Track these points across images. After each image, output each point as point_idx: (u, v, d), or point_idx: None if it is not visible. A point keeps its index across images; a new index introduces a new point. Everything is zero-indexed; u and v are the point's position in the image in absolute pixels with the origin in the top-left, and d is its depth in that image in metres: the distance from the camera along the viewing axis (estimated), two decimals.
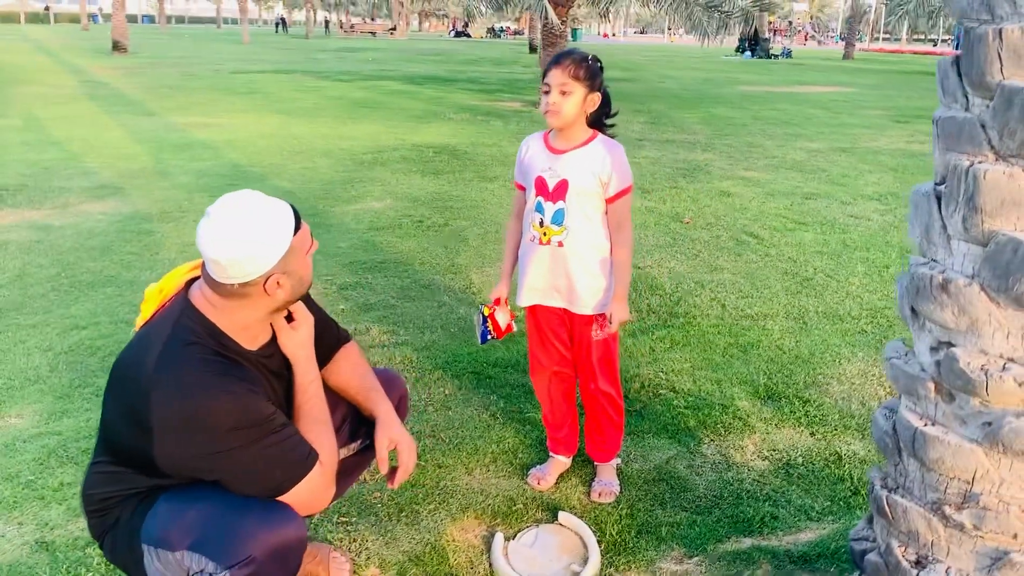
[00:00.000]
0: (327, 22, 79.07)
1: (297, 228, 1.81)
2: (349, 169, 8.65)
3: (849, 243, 6.07)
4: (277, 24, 72.98)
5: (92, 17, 75.23)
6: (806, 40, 74.66)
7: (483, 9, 19.41)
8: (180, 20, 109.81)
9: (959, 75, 1.68)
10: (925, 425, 1.80)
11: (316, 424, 1.98)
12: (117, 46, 29.55)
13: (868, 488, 1.97)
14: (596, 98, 2.54)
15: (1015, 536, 1.70)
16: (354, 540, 2.54)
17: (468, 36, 75.56)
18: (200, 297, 1.82)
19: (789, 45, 48.68)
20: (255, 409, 1.77)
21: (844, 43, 42.40)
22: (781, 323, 4.41)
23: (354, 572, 2.40)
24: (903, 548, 1.87)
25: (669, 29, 75.01)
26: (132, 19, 74.61)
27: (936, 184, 1.76)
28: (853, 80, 24.84)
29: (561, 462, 2.95)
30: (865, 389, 3.64)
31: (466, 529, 2.63)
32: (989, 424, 1.67)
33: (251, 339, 1.88)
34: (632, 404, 3.43)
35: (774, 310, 4.61)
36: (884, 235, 6.31)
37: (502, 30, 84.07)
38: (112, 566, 2.31)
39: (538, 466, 2.95)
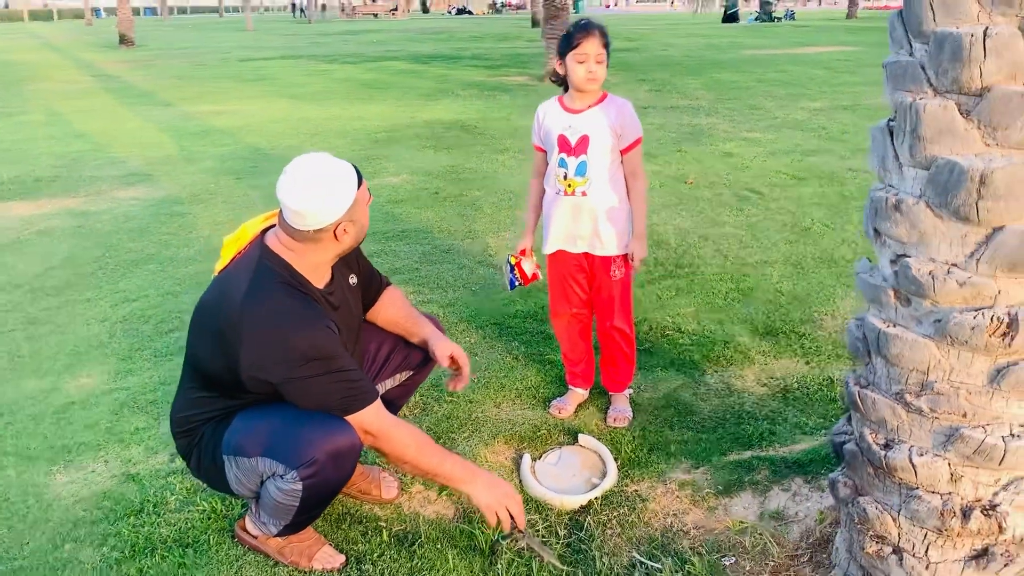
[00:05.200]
0: (323, 6, 79.12)
1: (360, 183, 2.14)
2: (365, 147, 8.95)
3: (846, 195, 6.34)
4: (295, 8, 72.78)
5: (95, 12, 75.49)
6: (808, 0, 74.09)
7: None
8: (182, 11, 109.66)
9: (903, 25, 1.97)
10: (888, 327, 2.10)
11: (436, 450, 2.28)
12: (124, 39, 29.85)
13: (844, 387, 2.28)
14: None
15: (964, 415, 2.01)
16: None
17: (470, 13, 75.37)
18: (276, 243, 2.15)
19: (793, 7, 48.40)
20: (329, 345, 2.10)
21: (848, 2, 42.14)
22: (780, 269, 4.71)
23: (401, 489, 2.74)
24: (874, 434, 2.18)
25: None
26: (135, 12, 74.74)
27: (889, 120, 2.05)
28: (856, 39, 24.83)
29: (579, 394, 3.28)
30: None
31: (497, 452, 2.97)
32: (939, 321, 1.98)
33: (320, 279, 2.22)
34: (641, 343, 3.75)
35: (773, 258, 4.91)
36: None
37: (503, 5, 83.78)
38: (192, 488, 2.68)
39: (559, 398, 3.29)
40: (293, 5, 73.27)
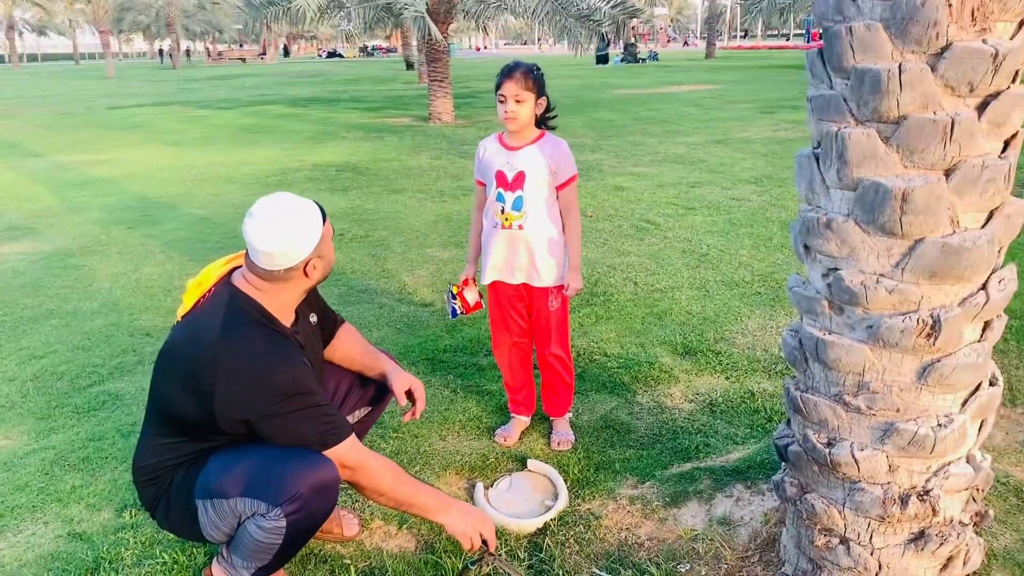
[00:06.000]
0: (188, 51, 77.27)
1: (324, 219, 2.18)
2: (257, 192, 8.82)
3: (735, 222, 6.73)
4: (162, 54, 70.35)
5: None
6: (668, 42, 77.96)
7: (353, 30, 19.56)
8: (33, 58, 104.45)
9: (823, 62, 2.20)
10: (824, 335, 2.30)
11: (411, 480, 2.34)
12: None
13: (784, 393, 2.47)
14: (543, 102, 2.99)
15: (898, 410, 2.22)
16: (356, 501, 2.89)
17: (341, 56, 75.27)
18: (245, 284, 2.16)
19: (655, 48, 50.73)
20: (307, 381, 2.12)
21: (705, 43, 44.53)
22: (687, 293, 4.97)
23: (362, 525, 2.75)
24: (817, 435, 2.37)
25: (539, 40, 76.84)
26: None
27: (814, 148, 2.27)
28: (718, 78, 26.28)
29: (522, 421, 3.37)
30: (766, 339, 4.21)
31: (450, 483, 3.02)
32: (871, 327, 2.19)
33: (287, 318, 2.24)
34: (574, 370, 3.88)
35: (679, 283, 5.17)
36: (764, 212, 7.02)
37: (375, 49, 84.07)
38: (147, 542, 2.61)
39: (502, 427, 3.37)
40: (161, 51, 70.95)
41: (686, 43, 76.27)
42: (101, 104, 23.14)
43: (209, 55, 73.04)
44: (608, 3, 14.89)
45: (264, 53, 69.77)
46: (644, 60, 41.88)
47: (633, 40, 46.90)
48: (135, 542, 2.61)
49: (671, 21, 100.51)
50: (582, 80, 27.89)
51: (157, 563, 2.50)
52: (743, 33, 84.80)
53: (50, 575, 2.49)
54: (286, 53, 79.67)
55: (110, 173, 10.46)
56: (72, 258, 6.28)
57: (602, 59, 40.89)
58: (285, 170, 10.26)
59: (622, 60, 41.38)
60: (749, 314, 4.58)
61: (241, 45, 76.85)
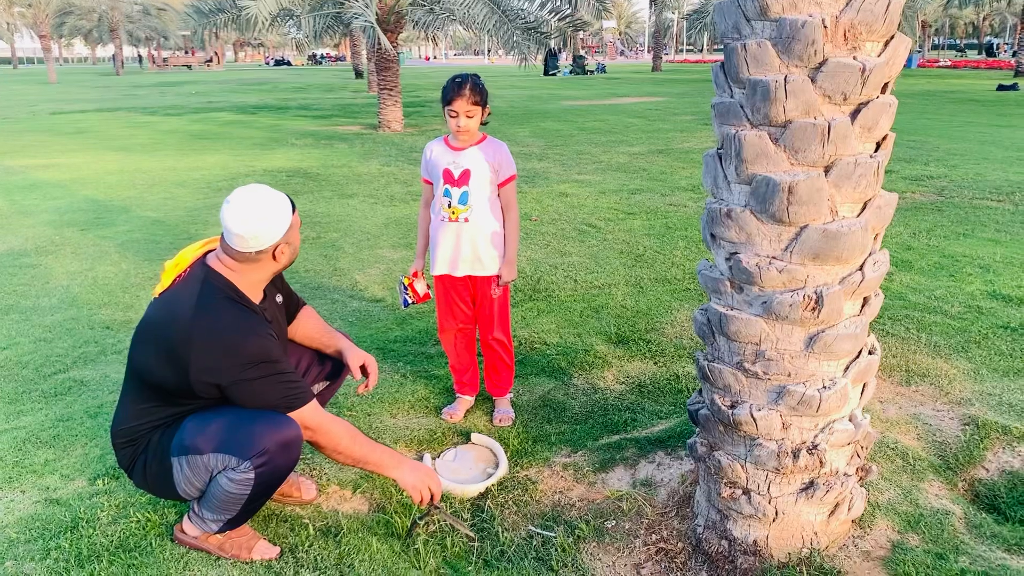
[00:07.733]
0: (140, 57, 76.05)
1: (293, 210, 2.45)
2: (208, 196, 8.98)
3: (671, 226, 7.13)
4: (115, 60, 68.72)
5: None
6: (616, 55, 79.19)
7: (303, 38, 19.68)
8: None
9: (724, 74, 2.55)
10: (727, 311, 2.64)
11: (366, 440, 2.61)
12: None
13: (695, 364, 2.81)
14: (488, 109, 3.30)
15: (789, 375, 2.57)
16: (314, 469, 3.15)
17: (288, 64, 74.90)
18: (219, 264, 2.42)
19: (603, 60, 51.55)
20: (273, 350, 2.39)
21: (652, 56, 45.43)
22: (623, 289, 5.32)
23: (319, 490, 3.01)
24: (722, 398, 2.71)
25: (489, 51, 77.43)
26: None
27: (718, 148, 2.62)
28: (663, 90, 26.95)
29: (467, 400, 3.67)
30: (692, 329, 4.57)
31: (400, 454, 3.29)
32: (765, 302, 2.53)
33: (256, 296, 2.50)
34: (515, 355, 4.19)
35: (616, 280, 5.52)
36: (699, 217, 7.41)
37: (323, 57, 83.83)
38: (122, 504, 2.84)
39: (448, 406, 3.66)
40: (115, 57, 69.30)
41: (631, 56, 77.60)
42: (44, 109, 22.85)
43: (154, 61, 72.00)
44: (555, 16, 15.33)
45: (211, 60, 69.04)
46: (592, 72, 42.58)
47: (582, 52, 47.67)
48: (110, 505, 2.83)
49: (619, 34, 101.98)
50: (531, 91, 28.34)
51: (131, 522, 2.73)
52: (690, 47, 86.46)
53: (32, 532, 2.71)
54: (217, 60, 78.04)
55: (58, 177, 10.49)
56: (26, 257, 6.40)
57: (550, 70, 41.50)
58: (235, 175, 10.41)
59: (571, 72, 42.02)
60: (679, 307, 4.94)
61: (186, 52, 75.88)
